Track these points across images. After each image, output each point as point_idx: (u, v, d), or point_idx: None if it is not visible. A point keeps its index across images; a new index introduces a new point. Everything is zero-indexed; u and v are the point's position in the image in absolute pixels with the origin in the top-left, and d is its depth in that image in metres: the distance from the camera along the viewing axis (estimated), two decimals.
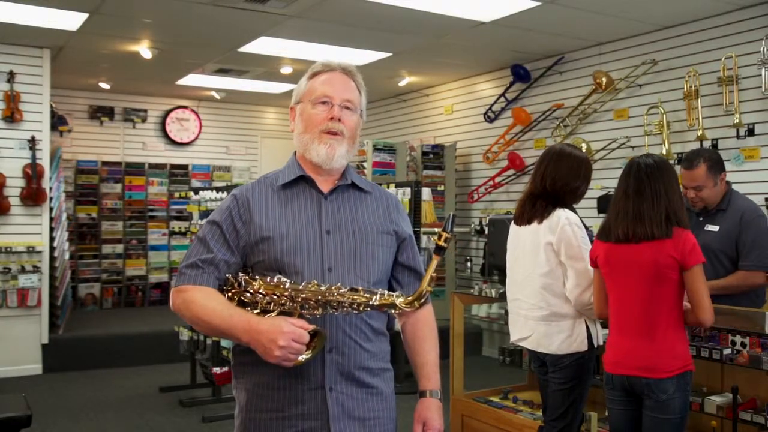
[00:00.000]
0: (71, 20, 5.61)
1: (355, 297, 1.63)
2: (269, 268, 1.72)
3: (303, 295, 1.64)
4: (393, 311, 1.68)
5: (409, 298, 1.65)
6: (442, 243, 1.62)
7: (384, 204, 1.89)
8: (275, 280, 1.67)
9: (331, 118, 1.77)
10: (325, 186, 1.81)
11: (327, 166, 1.78)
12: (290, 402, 1.71)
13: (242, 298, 1.71)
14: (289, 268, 1.70)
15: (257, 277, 1.71)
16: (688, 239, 2.59)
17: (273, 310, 1.66)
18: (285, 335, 1.56)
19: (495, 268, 5.66)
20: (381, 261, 1.81)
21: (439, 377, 1.90)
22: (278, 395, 1.72)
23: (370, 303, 1.64)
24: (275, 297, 1.66)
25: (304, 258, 1.72)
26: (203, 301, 1.69)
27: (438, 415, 1.84)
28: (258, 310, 1.67)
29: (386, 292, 1.66)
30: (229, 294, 1.72)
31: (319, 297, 1.63)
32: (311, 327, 1.61)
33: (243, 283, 1.71)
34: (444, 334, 4.97)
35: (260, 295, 1.68)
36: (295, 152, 1.87)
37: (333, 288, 1.64)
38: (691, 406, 2.66)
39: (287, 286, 1.65)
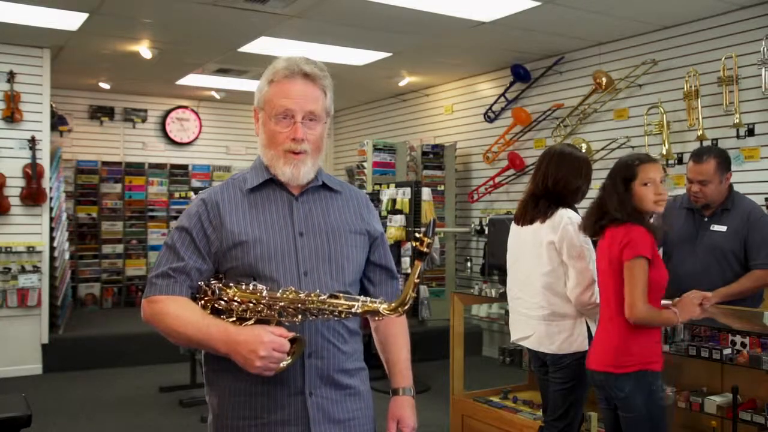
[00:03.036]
0: (71, 20, 5.61)
1: (336, 304, 1.60)
2: (243, 274, 1.66)
3: (281, 303, 1.60)
4: (376, 318, 1.65)
5: (393, 304, 1.61)
6: (424, 249, 1.57)
7: (355, 203, 1.85)
8: (251, 287, 1.62)
9: (293, 139, 1.69)
10: (295, 188, 1.76)
11: (294, 183, 1.74)
12: (269, 408, 1.68)
13: (216, 305, 1.65)
14: (264, 273, 1.66)
15: (231, 284, 1.65)
16: (632, 231, 2.61)
17: (249, 318, 1.61)
18: (265, 345, 1.53)
19: (495, 268, 5.67)
20: (355, 262, 1.79)
21: (411, 374, 1.89)
22: (256, 401, 1.68)
23: (352, 311, 1.60)
24: (251, 304, 1.61)
25: (278, 263, 1.67)
26: (177, 311, 1.64)
27: (412, 413, 1.83)
28: (233, 319, 1.62)
29: (368, 299, 1.63)
30: (203, 302, 1.67)
31: (299, 305, 1.59)
32: (290, 334, 1.58)
33: (217, 291, 1.65)
34: (444, 334, 5.00)
35: (235, 303, 1.62)
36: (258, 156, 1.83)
37: (312, 295, 1.60)
38: (662, 410, 2.60)
39: (264, 293, 1.61)
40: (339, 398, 1.74)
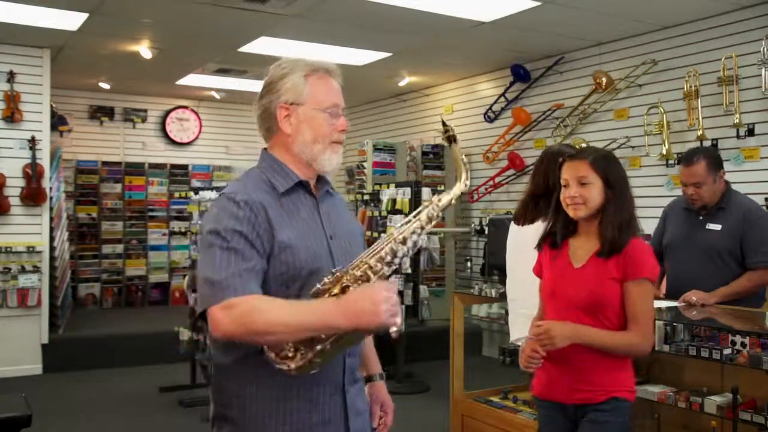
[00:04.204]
0: (71, 20, 5.61)
1: (407, 231, 1.64)
2: (289, 278, 1.63)
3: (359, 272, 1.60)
4: (452, 202, 1.72)
5: (459, 185, 1.70)
6: (452, 133, 1.75)
7: (344, 206, 1.95)
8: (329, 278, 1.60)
9: (342, 131, 1.77)
10: (315, 191, 1.79)
11: (331, 174, 1.80)
12: (309, 409, 1.67)
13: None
14: (312, 278, 1.63)
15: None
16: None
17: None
18: (380, 291, 1.50)
19: (495, 268, 5.67)
20: None
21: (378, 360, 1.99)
22: (292, 405, 1.65)
23: (423, 223, 1.65)
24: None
25: (322, 266, 1.66)
26: (270, 305, 1.53)
27: (388, 396, 1.94)
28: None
29: (423, 210, 1.68)
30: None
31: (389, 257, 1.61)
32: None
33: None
34: (444, 334, 5.00)
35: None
36: (267, 152, 1.79)
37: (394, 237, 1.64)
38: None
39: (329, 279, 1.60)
40: (358, 391, 1.80)
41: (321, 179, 1.81)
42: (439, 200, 1.70)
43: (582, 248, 2.34)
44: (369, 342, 1.94)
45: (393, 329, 1.52)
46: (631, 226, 2.29)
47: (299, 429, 1.66)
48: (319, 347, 1.55)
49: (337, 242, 1.74)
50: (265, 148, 1.82)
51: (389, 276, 1.62)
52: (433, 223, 1.69)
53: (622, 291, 2.24)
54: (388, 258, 1.61)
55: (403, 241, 1.63)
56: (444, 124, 1.78)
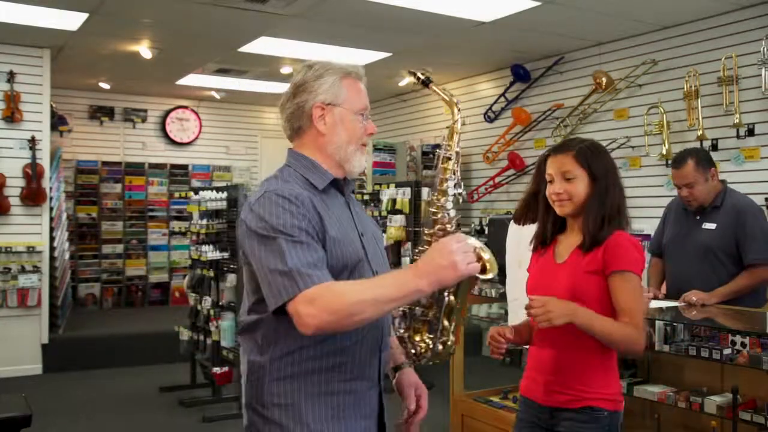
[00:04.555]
0: (71, 20, 5.61)
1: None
2: (338, 272, 1.65)
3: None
4: (458, 133, 1.79)
5: (455, 119, 1.78)
6: (421, 77, 1.79)
7: (363, 207, 2.02)
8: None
9: (370, 134, 1.82)
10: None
11: (360, 173, 1.87)
12: (354, 405, 1.71)
13: None
14: (356, 271, 1.68)
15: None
16: None
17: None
18: (451, 242, 1.54)
19: None
20: None
21: None
22: (340, 400, 1.68)
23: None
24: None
25: (363, 262, 1.71)
26: (347, 287, 1.56)
27: (419, 379, 1.95)
28: None
29: (445, 181, 1.75)
30: None
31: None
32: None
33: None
34: None
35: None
36: (296, 150, 1.80)
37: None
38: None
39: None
40: (384, 386, 1.83)
41: (346, 180, 1.84)
42: (449, 141, 1.78)
43: (566, 243, 2.24)
44: (393, 335, 1.96)
45: (479, 276, 1.57)
46: (616, 218, 2.14)
47: (345, 425, 1.68)
48: (441, 327, 1.66)
49: (367, 240, 1.77)
50: (291, 147, 1.84)
51: (454, 231, 1.70)
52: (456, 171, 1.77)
53: (606, 285, 2.10)
54: (441, 215, 1.72)
55: (444, 193, 1.74)
56: (412, 73, 1.83)
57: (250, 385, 1.70)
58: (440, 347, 1.68)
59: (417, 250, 1.71)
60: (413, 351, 1.71)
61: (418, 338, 1.72)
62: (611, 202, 2.15)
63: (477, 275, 1.58)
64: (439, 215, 1.73)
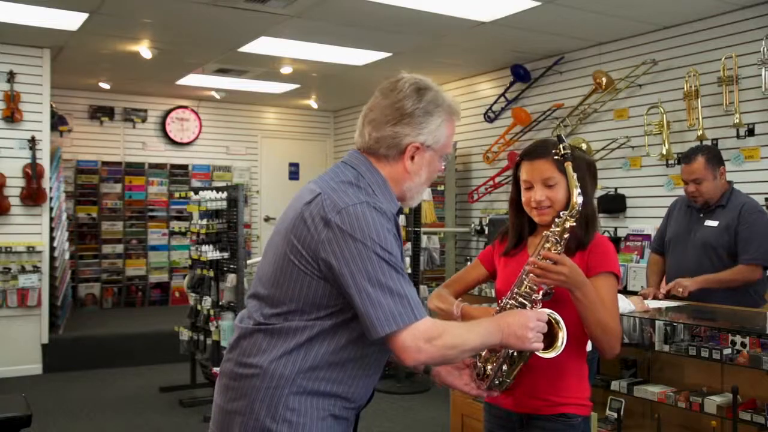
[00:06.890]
0: (71, 20, 5.61)
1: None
2: None
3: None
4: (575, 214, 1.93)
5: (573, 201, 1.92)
6: (564, 152, 1.90)
7: None
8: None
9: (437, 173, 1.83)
10: None
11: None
12: (346, 428, 1.74)
13: None
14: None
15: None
16: None
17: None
18: (533, 317, 1.73)
19: None
20: None
21: None
22: (339, 426, 1.70)
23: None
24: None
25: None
26: (455, 330, 1.64)
27: None
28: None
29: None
30: None
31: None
32: (546, 311, 1.82)
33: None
34: None
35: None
36: (372, 164, 1.71)
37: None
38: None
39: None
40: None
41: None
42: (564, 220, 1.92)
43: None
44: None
45: (539, 353, 1.80)
46: (594, 220, 2.06)
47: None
48: (504, 368, 1.90)
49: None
50: (364, 155, 1.73)
51: (542, 298, 1.89)
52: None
53: None
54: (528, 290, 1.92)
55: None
56: (561, 140, 1.90)
57: (264, 392, 1.61)
58: (497, 382, 1.92)
59: (502, 302, 1.96)
60: (476, 369, 1.93)
61: (488, 365, 1.93)
62: (590, 205, 2.05)
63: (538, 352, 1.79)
64: (526, 290, 1.92)
